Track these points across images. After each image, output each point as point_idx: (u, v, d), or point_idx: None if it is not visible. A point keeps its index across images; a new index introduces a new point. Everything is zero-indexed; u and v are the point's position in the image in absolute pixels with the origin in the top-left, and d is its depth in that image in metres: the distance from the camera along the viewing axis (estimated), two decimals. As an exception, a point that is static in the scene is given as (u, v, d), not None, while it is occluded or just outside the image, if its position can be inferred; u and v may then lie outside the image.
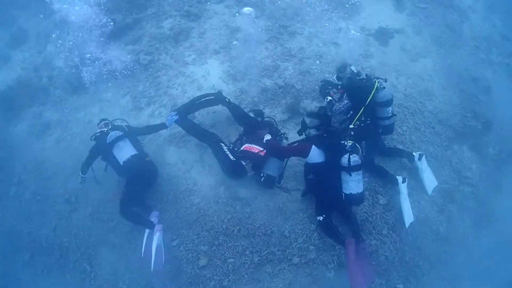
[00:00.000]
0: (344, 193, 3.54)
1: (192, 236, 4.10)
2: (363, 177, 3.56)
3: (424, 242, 4.16)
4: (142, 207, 4.22)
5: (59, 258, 4.53)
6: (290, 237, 3.97)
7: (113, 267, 4.25)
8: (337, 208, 3.83)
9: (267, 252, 3.92)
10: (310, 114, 3.81)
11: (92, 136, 4.33)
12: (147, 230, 3.97)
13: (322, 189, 3.72)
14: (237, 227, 4.05)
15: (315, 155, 3.62)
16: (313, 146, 3.62)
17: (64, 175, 5.02)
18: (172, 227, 4.19)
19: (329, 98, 4.43)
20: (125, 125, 4.48)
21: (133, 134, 4.37)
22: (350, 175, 3.44)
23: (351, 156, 3.43)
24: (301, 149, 3.74)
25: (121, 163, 4.05)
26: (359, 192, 3.50)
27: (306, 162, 3.78)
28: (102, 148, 4.20)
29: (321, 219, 3.69)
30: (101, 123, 4.41)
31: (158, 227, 3.83)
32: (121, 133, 4.18)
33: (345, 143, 3.55)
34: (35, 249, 4.72)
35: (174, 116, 4.29)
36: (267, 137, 3.98)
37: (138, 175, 4.06)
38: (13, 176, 5.37)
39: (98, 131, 4.34)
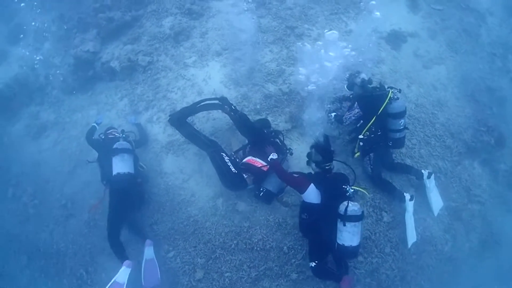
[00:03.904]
0: (337, 242, 3.21)
1: (188, 248, 4.02)
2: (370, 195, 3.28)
3: (428, 262, 4.02)
4: (137, 234, 4.12)
5: (56, 263, 4.50)
6: (289, 253, 3.86)
7: (109, 275, 4.16)
8: (330, 253, 3.55)
9: (265, 268, 3.81)
10: (316, 145, 3.50)
11: (102, 135, 4.40)
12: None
13: (314, 233, 3.46)
14: (234, 241, 3.94)
15: (312, 195, 3.32)
16: (312, 184, 3.33)
17: (60, 180, 4.95)
18: (168, 238, 4.11)
19: (333, 114, 4.27)
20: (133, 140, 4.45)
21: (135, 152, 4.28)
22: (345, 225, 3.11)
23: (350, 203, 3.12)
24: (298, 184, 3.39)
25: (113, 173, 3.93)
26: (352, 245, 3.13)
27: (302, 199, 3.48)
28: (103, 150, 4.11)
29: (313, 265, 3.43)
30: (112, 130, 4.45)
31: (126, 262, 3.68)
32: (130, 147, 4.10)
33: (347, 188, 3.26)
34: (32, 252, 4.70)
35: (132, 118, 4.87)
36: (273, 156, 3.72)
37: (121, 193, 3.92)
38: (11, 177, 5.32)
39: (114, 133, 4.38)
